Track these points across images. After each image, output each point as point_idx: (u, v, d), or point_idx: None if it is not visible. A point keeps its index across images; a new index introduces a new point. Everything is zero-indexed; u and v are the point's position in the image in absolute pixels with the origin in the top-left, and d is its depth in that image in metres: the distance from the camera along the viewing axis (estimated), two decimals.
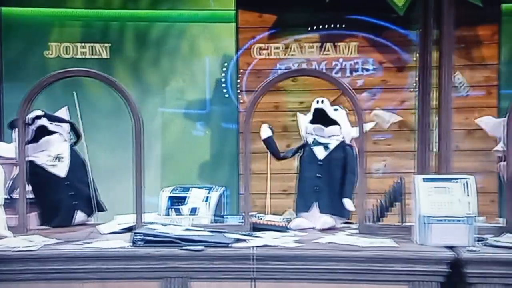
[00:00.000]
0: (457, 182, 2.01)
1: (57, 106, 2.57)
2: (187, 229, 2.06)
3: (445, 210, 1.97)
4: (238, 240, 1.97)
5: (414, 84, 4.26)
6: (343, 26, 4.37)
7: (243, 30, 4.49)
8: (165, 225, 2.08)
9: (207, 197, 2.32)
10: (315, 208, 2.36)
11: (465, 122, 4.24)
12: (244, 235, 2.08)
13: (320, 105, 2.38)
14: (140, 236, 1.91)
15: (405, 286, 1.88)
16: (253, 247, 1.89)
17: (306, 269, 1.88)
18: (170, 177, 4.28)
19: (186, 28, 4.52)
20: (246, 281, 1.85)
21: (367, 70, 4.38)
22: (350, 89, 2.26)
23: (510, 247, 1.91)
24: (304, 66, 4.37)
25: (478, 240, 2.01)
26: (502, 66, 4.38)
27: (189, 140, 4.51)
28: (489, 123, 2.44)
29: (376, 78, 4.40)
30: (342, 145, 2.40)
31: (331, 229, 2.31)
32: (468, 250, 1.88)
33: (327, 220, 2.34)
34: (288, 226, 2.31)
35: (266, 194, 2.51)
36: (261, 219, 2.31)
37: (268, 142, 2.43)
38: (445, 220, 1.95)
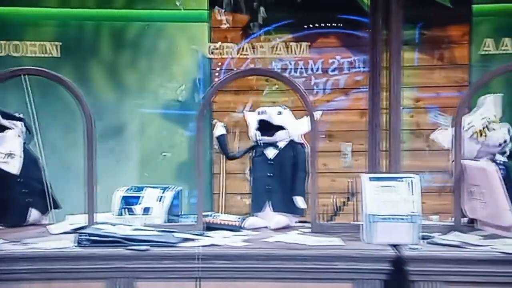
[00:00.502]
0: (402, 181, 2.04)
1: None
2: (136, 229, 2.06)
3: (390, 209, 1.99)
4: (185, 240, 1.98)
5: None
6: (332, 24, 4.41)
7: (216, 29, 4.52)
8: (114, 225, 2.08)
9: (161, 196, 2.32)
10: (268, 207, 2.37)
11: None
12: (195, 234, 2.09)
13: (262, 116, 2.41)
14: (85, 236, 1.91)
15: (349, 284, 1.89)
16: (198, 246, 1.90)
17: (251, 268, 1.89)
18: (151, 177, 4.29)
19: (163, 27, 4.54)
20: (191, 280, 1.86)
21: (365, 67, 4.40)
22: (302, 89, 2.28)
23: (453, 245, 1.94)
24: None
25: (424, 238, 2.04)
26: (473, 67, 4.43)
27: (168, 140, 4.51)
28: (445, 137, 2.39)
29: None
30: (291, 144, 2.42)
31: (285, 228, 2.33)
32: (410, 248, 1.91)
33: (281, 219, 2.35)
34: (242, 225, 2.32)
35: (218, 194, 2.52)
36: (216, 218, 2.33)
37: (220, 140, 2.44)
38: (389, 218, 1.97)
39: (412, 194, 1.99)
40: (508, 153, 2.48)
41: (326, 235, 2.14)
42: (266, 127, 2.41)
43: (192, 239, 2.00)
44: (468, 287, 1.85)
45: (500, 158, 2.45)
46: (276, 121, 2.40)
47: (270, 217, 2.37)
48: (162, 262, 1.89)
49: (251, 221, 2.36)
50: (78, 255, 1.88)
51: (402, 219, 1.96)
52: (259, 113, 2.43)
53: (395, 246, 1.95)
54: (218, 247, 1.92)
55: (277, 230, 2.30)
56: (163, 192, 2.33)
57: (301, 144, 2.46)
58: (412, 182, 2.01)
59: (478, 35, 4.43)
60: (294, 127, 2.43)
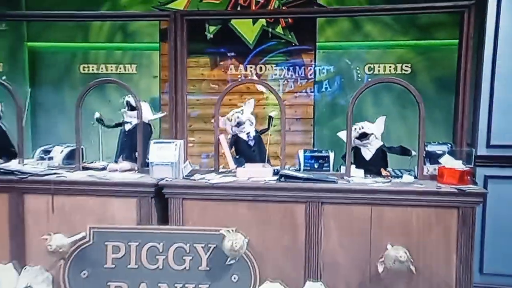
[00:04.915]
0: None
1: None
2: None
3: (159, 158, 3.54)
4: None
5: None
6: None
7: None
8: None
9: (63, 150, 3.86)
10: None
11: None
12: None
13: None
14: None
15: (134, 199, 3.42)
16: None
17: None
18: None
19: None
20: None
21: None
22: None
23: (190, 178, 3.51)
24: None
25: (188, 177, 3.59)
26: (317, 83, 6.16)
27: None
28: None
29: None
30: None
31: None
32: (166, 180, 3.46)
33: None
34: None
35: None
36: None
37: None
38: (159, 164, 3.52)
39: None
40: None
41: None
42: None
43: None
44: None
45: None
46: None
47: None
48: None
49: None
50: None
51: (167, 164, 3.53)
52: None
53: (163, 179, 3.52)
54: None
55: None
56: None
57: None
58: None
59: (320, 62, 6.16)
60: None
